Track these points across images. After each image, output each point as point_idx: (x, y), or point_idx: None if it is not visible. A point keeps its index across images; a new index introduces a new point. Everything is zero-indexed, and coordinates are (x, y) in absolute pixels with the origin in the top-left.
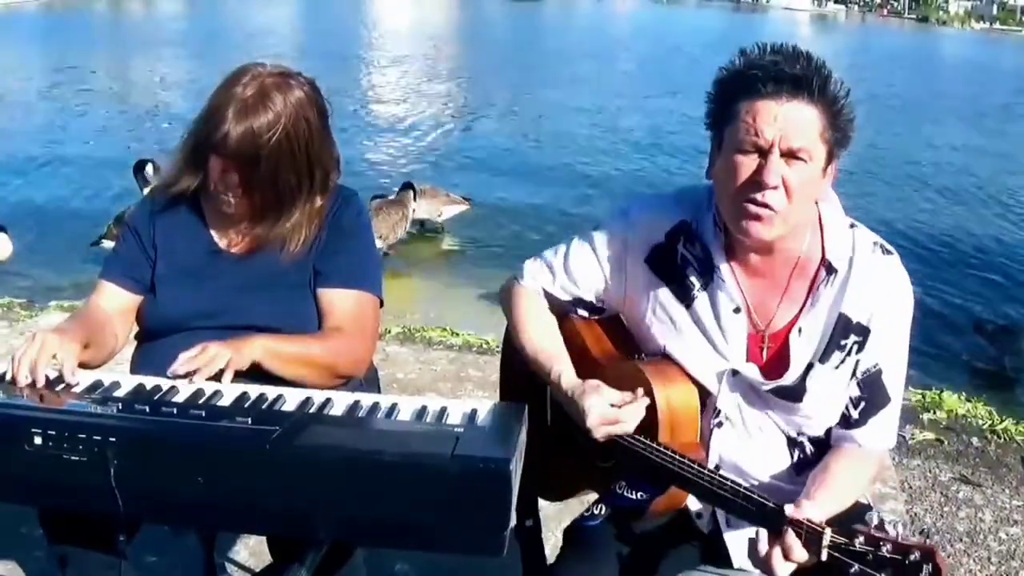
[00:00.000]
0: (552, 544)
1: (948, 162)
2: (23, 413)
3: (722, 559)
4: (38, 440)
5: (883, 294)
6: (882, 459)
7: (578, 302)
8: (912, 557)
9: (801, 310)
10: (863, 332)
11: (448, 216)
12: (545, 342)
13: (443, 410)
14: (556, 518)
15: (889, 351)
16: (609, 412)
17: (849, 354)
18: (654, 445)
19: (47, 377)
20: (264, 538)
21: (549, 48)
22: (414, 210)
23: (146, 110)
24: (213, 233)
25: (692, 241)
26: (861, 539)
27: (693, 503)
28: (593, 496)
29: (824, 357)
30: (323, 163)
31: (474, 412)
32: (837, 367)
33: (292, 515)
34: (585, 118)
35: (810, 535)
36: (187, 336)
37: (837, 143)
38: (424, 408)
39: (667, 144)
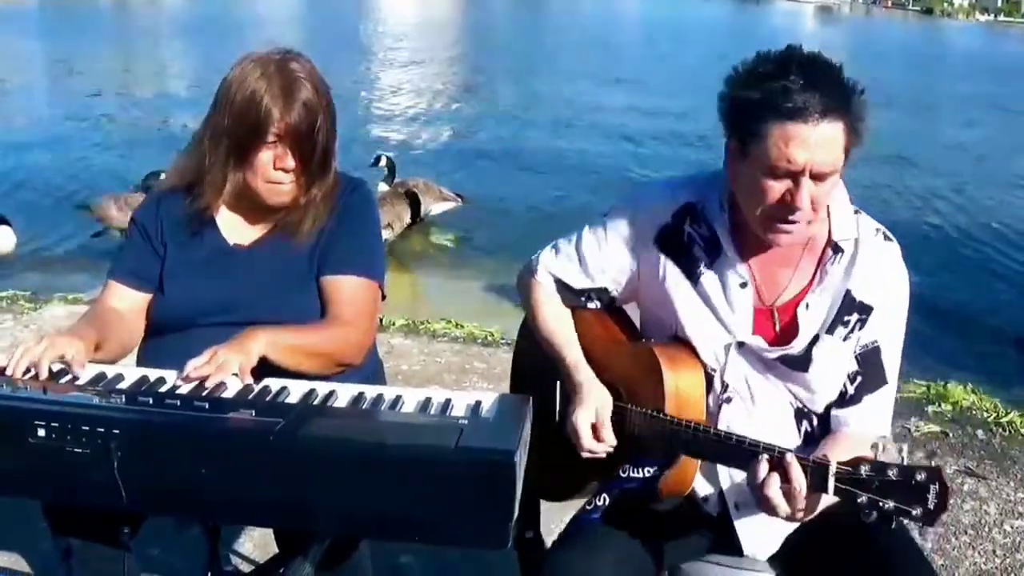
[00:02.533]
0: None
1: (957, 155)
2: (26, 406)
3: (732, 546)
4: (41, 432)
5: (885, 277)
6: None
7: (591, 290)
8: (918, 477)
9: (809, 286)
10: (866, 310)
11: (437, 212)
12: (558, 326)
13: (447, 402)
14: (558, 516)
15: (888, 331)
16: (587, 430)
17: (852, 330)
18: (660, 414)
19: (50, 370)
20: (269, 530)
21: (552, 42)
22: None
23: (151, 103)
24: (221, 228)
25: (698, 221)
26: (866, 467)
27: (701, 487)
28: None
29: (831, 329)
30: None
31: (478, 404)
32: (843, 340)
33: (296, 507)
34: (587, 112)
35: (815, 469)
36: (195, 332)
37: (854, 146)
38: (428, 400)
39: (669, 138)
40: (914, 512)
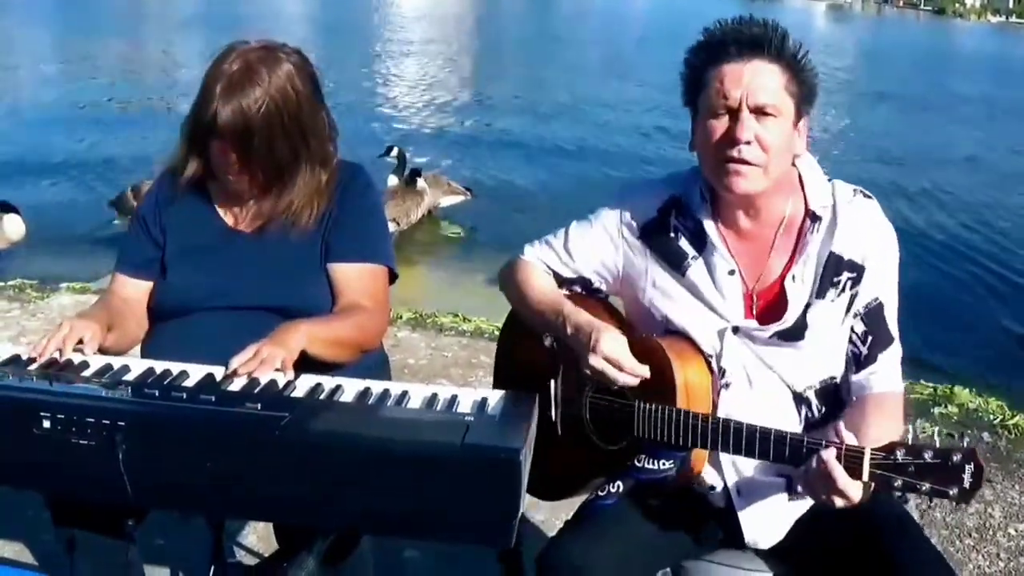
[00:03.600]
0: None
1: (965, 155)
2: (32, 396)
3: (736, 538)
4: (47, 424)
5: (872, 233)
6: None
7: (575, 279)
8: (954, 459)
9: (791, 260)
10: (857, 268)
11: (446, 205)
12: (549, 291)
13: (453, 398)
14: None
15: (886, 287)
16: (618, 352)
17: (843, 290)
18: (678, 409)
19: (57, 361)
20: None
21: (562, 35)
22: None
23: (159, 94)
24: (221, 213)
25: (683, 214)
26: (902, 451)
27: (709, 477)
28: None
29: (820, 293)
30: (317, 132)
31: (484, 401)
32: (833, 301)
33: (301, 502)
34: (597, 105)
35: (850, 457)
36: (196, 317)
37: (804, 99)
38: (435, 396)
39: (677, 131)
40: (951, 492)
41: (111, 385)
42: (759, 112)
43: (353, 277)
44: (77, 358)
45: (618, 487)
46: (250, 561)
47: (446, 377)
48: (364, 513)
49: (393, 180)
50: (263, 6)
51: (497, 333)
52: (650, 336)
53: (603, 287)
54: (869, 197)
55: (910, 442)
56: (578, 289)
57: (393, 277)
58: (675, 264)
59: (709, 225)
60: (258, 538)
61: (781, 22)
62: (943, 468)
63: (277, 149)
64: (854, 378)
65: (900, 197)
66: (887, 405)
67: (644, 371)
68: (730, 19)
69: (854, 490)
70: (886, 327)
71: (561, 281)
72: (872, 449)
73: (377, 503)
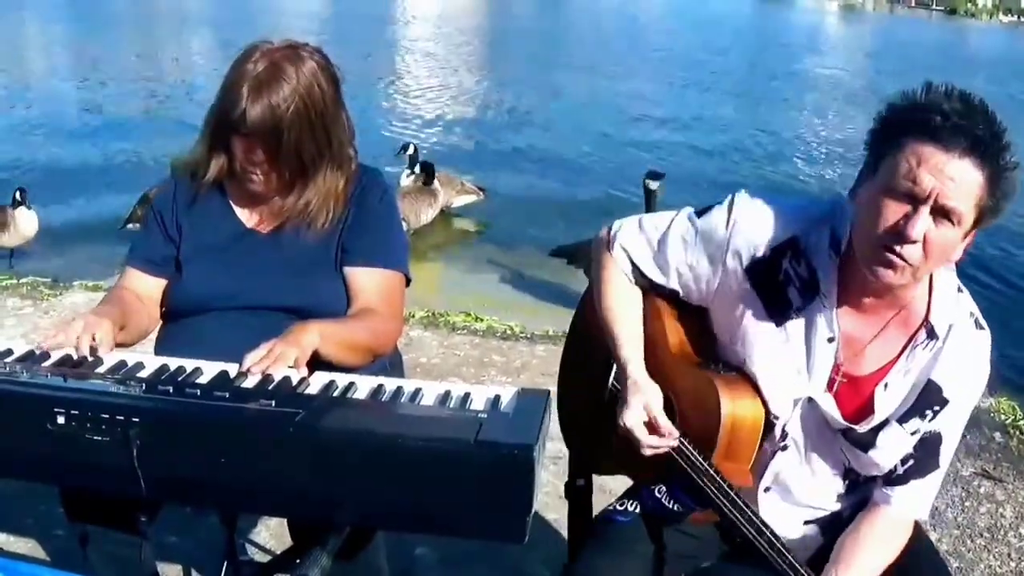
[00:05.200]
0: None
1: None
2: (46, 392)
3: (746, 554)
4: (61, 419)
5: (969, 370)
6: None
7: (660, 286)
8: None
9: (893, 363)
10: (943, 403)
11: (459, 204)
12: (622, 316)
13: (467, 395)
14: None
15: (955, 424)
16: (640, 425)
17: (924, 421)
18: (704, 465)
19: (71, 357)
20: (285, 519)
21: (575, 36)
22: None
23: (173, 93)
24: (238, 212)
25: (799, 259)
26: None
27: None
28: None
29: (904, 419)
30: (338, 132)
31: (498, 398)
32: (912, 433)
33: (314, 498)
34: (609, 106)
35: None
36: (211, 316)
37: (987, 213)
38: (448, 393)
39: (689, 136)
40: None
41: (125, 381)
42: (940, 213)
43: (368, 281)
44: (91, 354)
45: (635, 506)
46: (263, 558)
47: (458, 376)
48: (377, 509)
49: (406, 180)
50: (272, 5)
51: (509, 332)
52: (714, 372)
53: (691, 299)
54: (982, 328)
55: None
56: (667, 294)
57: (407, 282)
58: (773, 312)
59: (827, 282)
60: (270, 535)
61: (794, 21)
62: None
63: (304, 147)
64: (874, 489)
65: None
66: (893, 531)
67: (668, 443)
68: (959, 93)
69: None
70: (936, 457)
71: (645, 281)
72: None
73: (390, 499)
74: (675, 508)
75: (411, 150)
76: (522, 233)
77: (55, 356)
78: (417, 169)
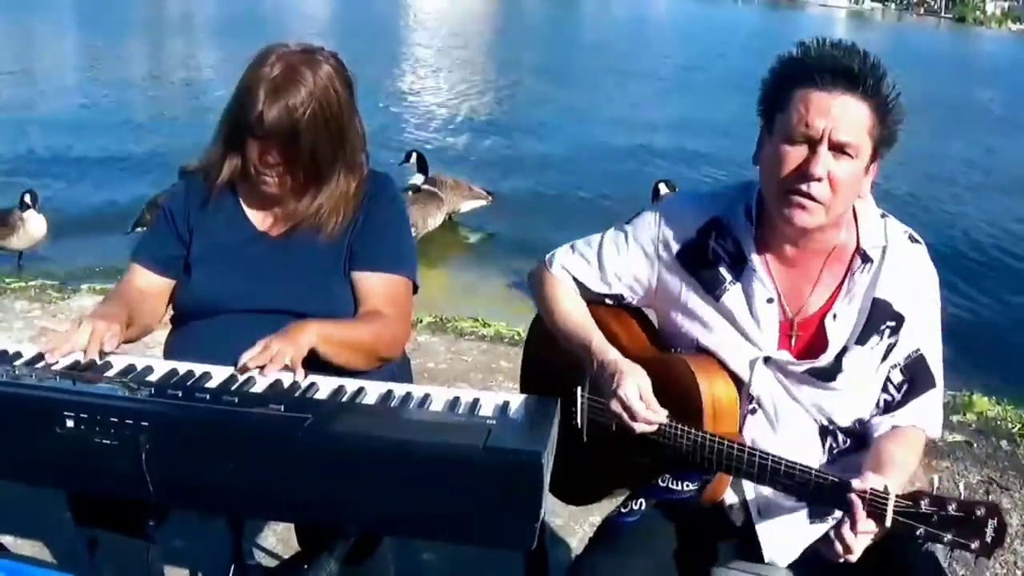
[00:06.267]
0: (579, 537)
1: (985, 164)
2: (55, 396)
3: (754, 553)
4: (70, 423)
5: (915, 281)
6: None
7: (606, 295)
8: (978, 513)
9: (834, 297)
10: (897, 318)
11: (467, 209)
12: (578, 316)
13: (475, 401)
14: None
15: (927, 336)
16: (637, 397)
17: (883, 337)
18: (704, 433)
19: (79, 362)
20: (292, 525)
21: (583, 42)
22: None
23: (181, 95)
24: (250, 215)
25: (724, 236)
26: (926, 500)
27: (729, 496)
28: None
29: (862, 339)
30: (351, 137)
31: (506, 404)
32: (872, 348)
33: (322, 504)
34: (616, 112)
35: (874, 503)
36: (221, 319)
37: (883, 142)
38: (456, 399)
39: (695, 141)
40: (972, 545)
41: (134, 385)
42: (837, 149)
43: (376, 285)
44: (100, 358)
45: (640, 504)
46: (269, 562)
47: (466, 381)
48: (385, 515)
49: (417, 179)
50: (281, 7)
51: (517, 338)
52: (679, 354)
53: (635, 301)
54: (917, 242)
55: (934, 492)
56: (609, 303)
57: (414, 288)
58: (710, 289)
59: (751, 249)
60: (277, 540)
61: (803, 28)
62: (966, 521)
63: (319, 150)
64: (877, 420)
65: (923, 202)
66: (909, 439)
67: (660, 417)
68: (829, 41)
69: (869, 539)
70: (928, 375)
71: (591, 295)
72: (897, 496)
73: (399, 505)
74: (685, 488)
75: (414, 158)
76: (530, 238)
77: (64, 360)
78: (414, 159)
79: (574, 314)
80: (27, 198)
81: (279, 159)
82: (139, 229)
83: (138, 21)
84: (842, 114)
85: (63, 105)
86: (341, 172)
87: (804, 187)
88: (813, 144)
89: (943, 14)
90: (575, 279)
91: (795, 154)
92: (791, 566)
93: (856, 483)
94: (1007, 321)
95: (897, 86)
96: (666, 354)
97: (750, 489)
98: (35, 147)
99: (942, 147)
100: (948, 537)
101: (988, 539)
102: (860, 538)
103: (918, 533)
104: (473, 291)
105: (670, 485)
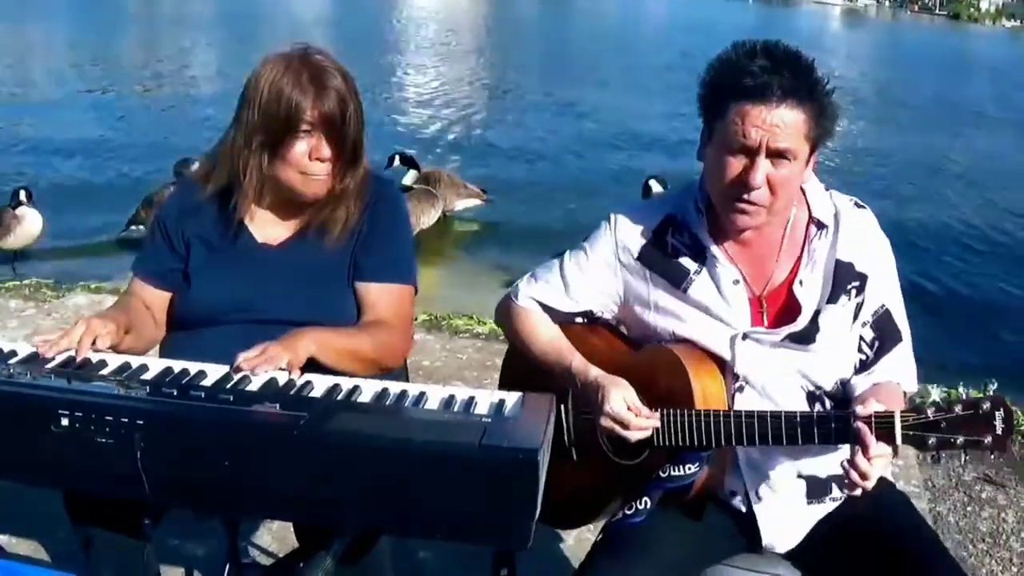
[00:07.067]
0: (575, 535)
1: (979, 161)
2: (50, 394)
3: (754, 539)
4: (65, 422)
5: (871, 243)
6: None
7: (576, 312)
8: (984, 407)
9: (797, 265)
10: (860, 277)
11: (462, 207)
12: (554, 342)
13: (471, 399)
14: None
15: (889, 291)
16: (625, 409)
17: (850, 297)
18: (699, 411)
19: (74, 360)
20: (287, 523)
21: (577, 39)
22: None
23: (175, 93)
24: (249, 225)
25: (680, 231)
26: (932, 408)
27: (730, 483)
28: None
29: (832, 299)
30: (363, 134)
31: (502, 402)
32: (844, 306)
33: (318, 502)
34: (608, 110)
35: (880, 424)
36: (219, 329)
37: (820, 138)
38: (452, 397)
39: (690, 139)
40: (985, 441)
41: (129, 384)
42: (775, 155)
43: (379, 296)
44: (95, 357)
45: (645, 503)
46: (264, 560)
47: (461, 379)
48: (381, 513)
49: (405, 184)
50: (273, 6)
51: None
52: (663, 346)
53: (607, 315)
54: (863, 207)
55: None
56: (581, 321)
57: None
58: (676, 282)
59: (707, 238)
60: (273, 538)
61: (797, 26)
62: (974, 418)
63: (359, 138)
64: (856, 379)
65: (921, 198)
66: (890, 388)
67: (654, 423)
68: (762, 47)
69: (887, 461)
70: (895, 327)
71: (562, 316)
72: (902, 411)
73: (394, 503)
74: (687, 472)
75: (397, 161)
76: (525, 236)
77: (58, 358)
78: (397, 162)
79: (548, 340)
80: (22, 195)
81: (332, 149)
82: (133, 227)
83: (131, 20)
84: (778, 124)
85: (56, 104)
86: (354, 169)
87: (745, 195)
88: (751, 153)
89: (937, 11)
90: (543, 305)
91: (735, 163)
92: (794, 558)
93: (859, 409)
94: (1003, 317)
95: (831, 83)
96: (649, 347)
97: (751, 475)
98: (28, 146)
99: (937, 142)
100: (960, 439)
101: (999, 431)
102: (875, 463)
103: (930, 443)
104: (468, 289)
105: (671, 473)
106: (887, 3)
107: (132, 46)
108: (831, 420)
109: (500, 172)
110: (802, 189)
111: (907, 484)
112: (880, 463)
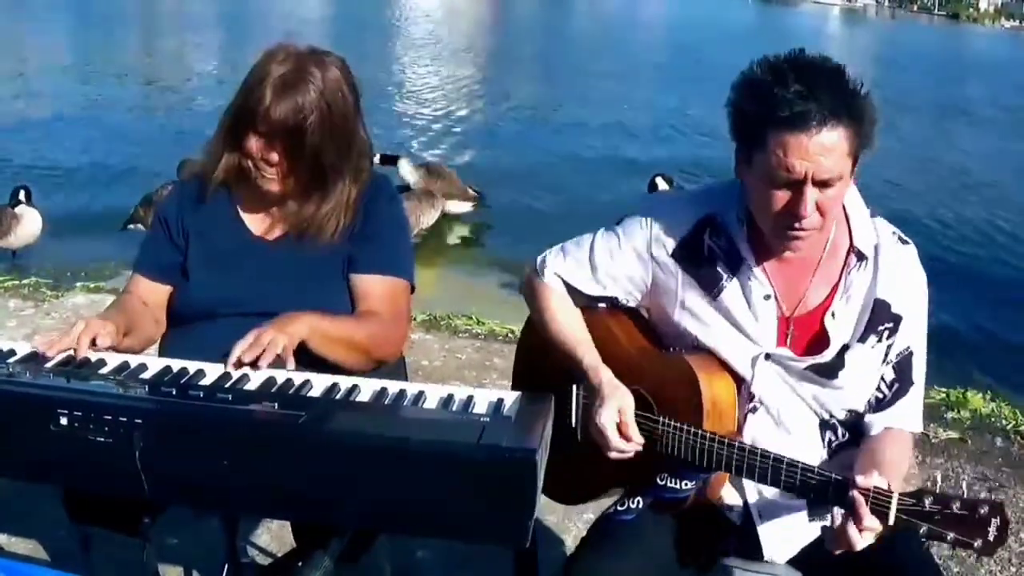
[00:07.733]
0: (573, 535)
1: (977, 161)
2: (49, 393)
3: (754, 552)
4: (63, 420)
5: (908, 282)
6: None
7: (601, 297)
8: (981, 511)
9: (832, 294)
10: (895, 319)
11: (456, 212)
12: (573, 331)
13: (469, 399)
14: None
15: (918, 335)
16: (613, 426)
17: (881, 339)
18: (703, 432)
19: (73, 359)
20: (286, 522)
21: (577, 39)
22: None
23: (175, 92)
24: (246, 220)
25: (718, 233)
26: (930, 499)
27: (728, 496)
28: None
29: (863, 338)
30: (359, 143)
31: (500, 402)
32: (873, 347)
33: (317, 501)
34: (610, 110)
35: (877, 501)
36: (216, 323)
37: (862, 147)
38: (451, 396)
39: (692, 138)
40: (975, 544)
41: (128, 383)
42: (821, 184)
43: (373, 287)
44: (94, 356)
45: (638, 503)
46: (263, 560)
47: (460, 379)
48: (380, 512)
49: (409, 174)
50: (274, 5)
51: (511, 336)
52: (679, 353)
53: (630, 302)
54: (907, 243)
55: (938, 490)
56: (604, 307)
57: (411, 289)
58: (708, 287)
59: (744, 247)
60: (271, 537)
61: (796, 26)
62: (970, 520)
63: (324, 153)
64: (869, 416)
65: (917, 201)
66: (900, 439)
67: (634, 447)
68: (787, 65)
69: (872, 536)
70: (911, 373)
71: (586, 299)
72: (900, 494)
73: (393, 502)
74: (684, 487)
75: (377, 159)
76: (524, 235)
77: (57, 357)
78: (377, 160)
79: (568, 327)
80: (20, 194)
81: (281, 157)
82: (131, 226)
83: (130, 20)
84: (821, 152)
85: (54, 102)
86: (345, 179)
87: (796, 224)
88: (798, 185)
89: (936, 11)
90: (568, 284)
91: (781, 196)
92: (791, 563)
93: (860, 480)
94: (1004, 318)
95: (868, 92)
96: (666, 353)
97: (752, 491)
98: (27, 145)
99: (937, 146)
100: (951, 536)
101: (991, 538)
102: (864, 535)
103: (921, 531)
104: (467, 289)
105: (668, 484)
106: (886, 3)
107: (133, 45)
108: (830, 484)
109: (500, 174)
110: (845, 212)
111: (906, 484)
112: (869, 536)
